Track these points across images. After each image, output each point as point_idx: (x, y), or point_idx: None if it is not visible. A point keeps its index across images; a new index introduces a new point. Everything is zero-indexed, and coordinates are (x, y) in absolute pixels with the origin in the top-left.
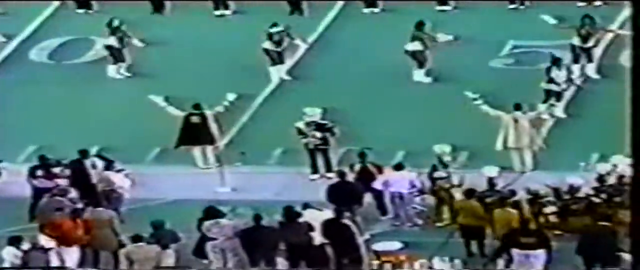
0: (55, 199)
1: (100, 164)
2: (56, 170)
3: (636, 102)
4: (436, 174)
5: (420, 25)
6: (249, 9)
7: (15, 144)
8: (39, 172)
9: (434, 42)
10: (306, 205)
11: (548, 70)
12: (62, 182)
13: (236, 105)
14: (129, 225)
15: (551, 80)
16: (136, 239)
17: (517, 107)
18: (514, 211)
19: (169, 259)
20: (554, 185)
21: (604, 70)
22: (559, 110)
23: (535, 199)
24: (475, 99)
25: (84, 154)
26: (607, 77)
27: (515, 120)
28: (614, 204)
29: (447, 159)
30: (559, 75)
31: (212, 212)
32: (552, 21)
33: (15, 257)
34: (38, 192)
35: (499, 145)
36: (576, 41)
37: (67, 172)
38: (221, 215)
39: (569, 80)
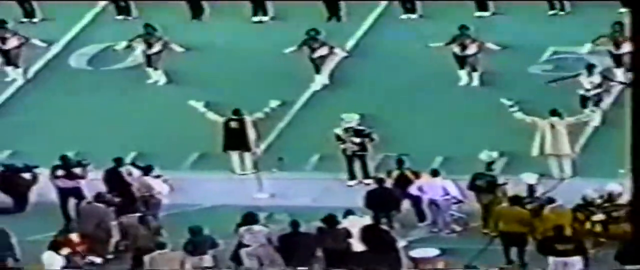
0: (95, 206)
1: (135, 171)
2: (77, 170)
3: (637, 108)
4: (499, 181)
5: (463, 28)
6: (286, 14)
7: (55, 150)
8: (60, 172)
9: (478, 46)
10: (349, 212)
11: (576, 75)
12: (87, 183)
13: (275, 111)
14: (166, 231)
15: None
16: (160, 246)
17: (554, 112)
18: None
19: (207, 264)
20: (597, 192)
21: None
22: (597, 118)
23: (586, 205)
24: (511, 106)
25: (119, 161)
26: None
27: (552, 126)
28: None
29: (497, 165)
30: (588, 81)
31: (250, 218)
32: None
33: (57, 261)
34: (62, 193)
35: (534, 152)
36: (611, 47)
37: (88, 171)
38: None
39: (599, 86)
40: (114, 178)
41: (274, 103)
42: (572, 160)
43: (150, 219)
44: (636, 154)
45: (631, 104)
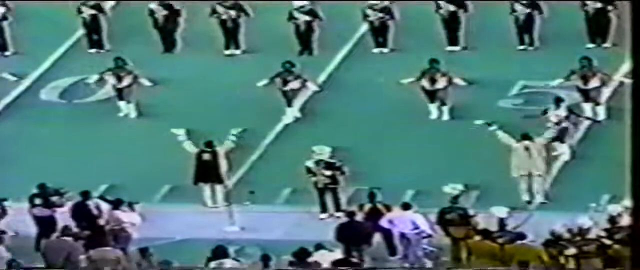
0: (62, 240)
1: (104, 205)
2: (55, 199)
3: (636, 119)
4: (468, 213)
5: (432, 62)
6: (259, 48)
7: (26, 183)
8: (38, 201)
9: (447, 80)
10: (319, 246)
11: (545, 110)
12: (62, 213)
13: (245, 144)
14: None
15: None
16: None
17: (525, 137)
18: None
19: None
20: (566, 226)
21: (613, 111)
22: (567, 152)
23: (557, 240)
24: (489, 124)
25: (86, 195)
26: (616, 119)
27: (526, 148)
28: (627, 246)
29: (465, 198)
30: (554, 114)
31: (220, 252)
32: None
33: None
34: (39, 222)
35: (514, 173)
36: (579, 83)
37: (66, 200)
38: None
39: (566, 119)
40: (81, 212)
41: (235, 130)
42: (546, 193)
43: (152, 253)
44: (636, 172)
45: (631, 110)
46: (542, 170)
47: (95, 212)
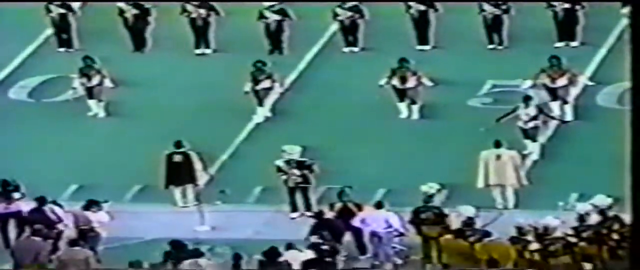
0: (31, 240)
1: (58, 210)
2: (17, 195)
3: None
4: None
5: (402, 61)
6: (229, 47)
7: None
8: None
9: (417, 80)
10: (289, 246)
11: (515, 109)
12: (24, 208)
13: (216, 143)
14: (106, 264)
15: (522, 119)
16: None
17: (498, 144)
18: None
19: None
20: (533, 225)
21: (581, 110)
22: (536, 151)
23: (521, 236)
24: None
25: (42, 201)
26: (585, 118)
27: (498, 157)
28: (594, 244)
29: (437, 197)
30: (524, 113)
31: (177, 246)
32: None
33: None
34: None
35: (480, 183)
36: (547, 81)
37: (21, 193)
38: (184, 253)
39: (535, 119)
40: (38, 217)
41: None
42: (515, 191)
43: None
44: (636, 172)
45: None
46: (514, 182)
47: (52, 217)
